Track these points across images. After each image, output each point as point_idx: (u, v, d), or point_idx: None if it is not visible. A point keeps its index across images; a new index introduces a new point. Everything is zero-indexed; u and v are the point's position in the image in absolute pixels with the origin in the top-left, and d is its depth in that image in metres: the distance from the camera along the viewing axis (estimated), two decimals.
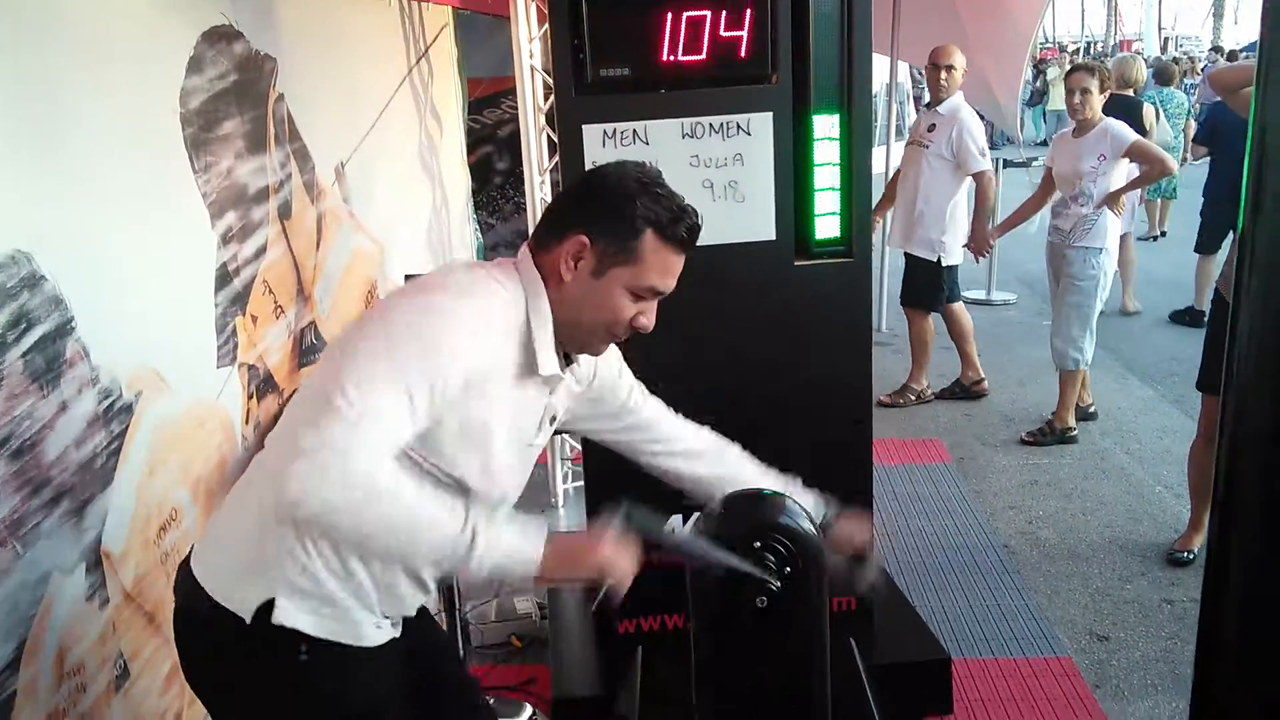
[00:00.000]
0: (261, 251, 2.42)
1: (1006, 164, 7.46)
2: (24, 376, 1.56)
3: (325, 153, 2.82)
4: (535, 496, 4.05)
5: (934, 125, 4.91)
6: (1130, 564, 3.45)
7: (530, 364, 1.44)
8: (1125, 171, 4.52)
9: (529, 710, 2.81)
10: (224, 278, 2.24)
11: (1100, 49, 31.49)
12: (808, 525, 1.47)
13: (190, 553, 1.49)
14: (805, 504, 1.67)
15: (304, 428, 1.23)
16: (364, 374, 1.26)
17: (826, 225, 2.49)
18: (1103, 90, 4.44)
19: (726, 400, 2.47)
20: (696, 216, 1.47)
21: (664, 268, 1.45)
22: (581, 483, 3.37)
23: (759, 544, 1.42)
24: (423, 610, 1.71)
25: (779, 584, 1.41)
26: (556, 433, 1.86)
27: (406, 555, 1.38)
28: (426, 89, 3.88)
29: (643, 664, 2.18)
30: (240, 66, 2.36)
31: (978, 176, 4.93)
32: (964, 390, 5.38)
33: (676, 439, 1.75)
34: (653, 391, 1.78)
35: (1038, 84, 17.65)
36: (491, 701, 2.87)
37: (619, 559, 1.35)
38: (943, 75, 4.86)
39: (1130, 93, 6.76)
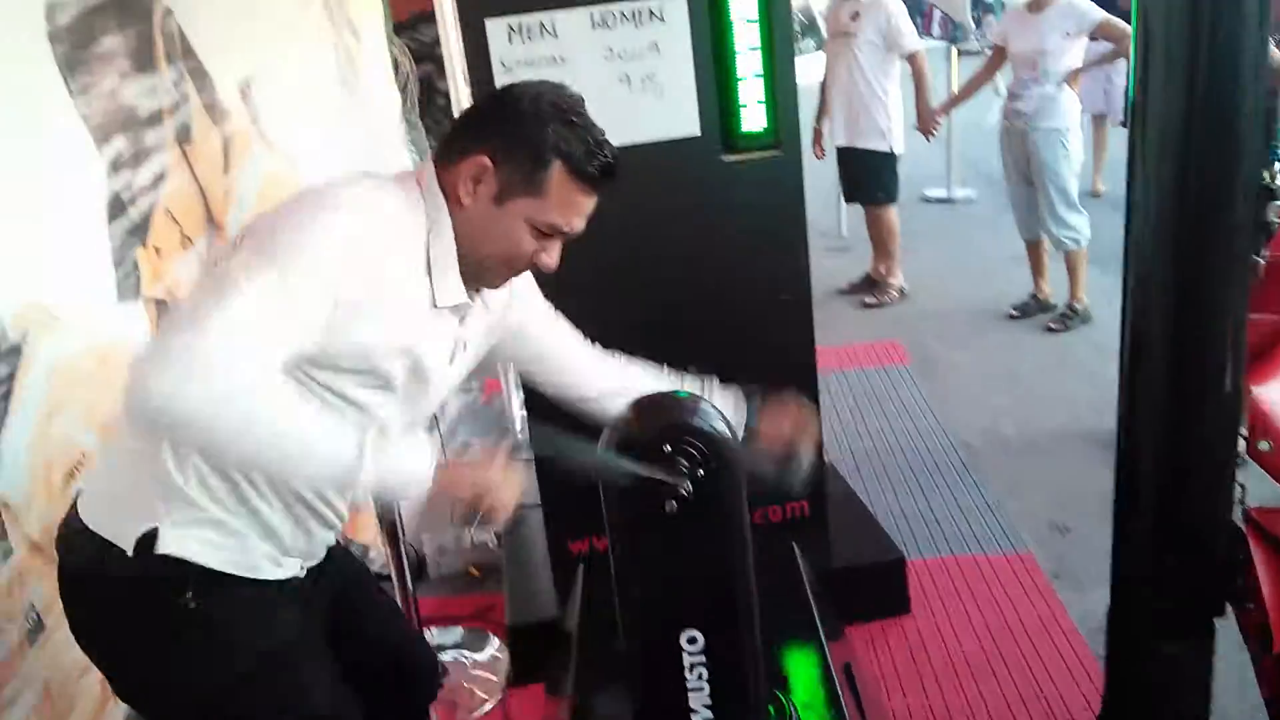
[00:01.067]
0: (160, 179, 2.28)
1: (962, 54, 7.29)
2: None
3: (227, 71, 2.66)
4: (494, 422, 3.99)
5: (857, 13, 4.78)
6: (1092, 454, 3.41)
7: (431, 295, 1.34)
8: (1083, 48, 4.41)
9: (494, 640, 2.78)
10: (118, 207, 2.11)
11: None
12: (720, 425, 1.39)
13: (72, 505, 1.40)
14: (725, 404, 1.59)
15: (173, 332, 1.15)
16: (243, 283, 1.15)
17: (752, 117, 2.37)
18: None
19: (659, 306, 2.40)
20: (613, 154, 1.34)
21: (570, 205, 1.33)
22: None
23: (668, 447, 1.34)
24: (341, 556, 1.64)
25: (690, 488, 1.33)
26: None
27: (289, 469, 1.27)
28: (342, 3, 3.68)
29: (584, 581, 2.13)
30: None
31: (912, 58, 4.84)
32: (871, 284, 5.31)
33: (586, 360, 1.67)
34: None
35: None
36: (459, 633, 2.85)
37: (502, 481, 1.28)
38: None
39: None
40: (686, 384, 1.65)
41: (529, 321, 1.60)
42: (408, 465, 1.24)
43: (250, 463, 1.26)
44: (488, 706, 2.54)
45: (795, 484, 1.65)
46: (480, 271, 1.38)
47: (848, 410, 3.95)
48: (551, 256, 1.37)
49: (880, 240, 5.27)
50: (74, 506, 1.40)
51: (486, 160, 1.30)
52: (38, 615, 1.78)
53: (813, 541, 2.55)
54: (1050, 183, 4.44)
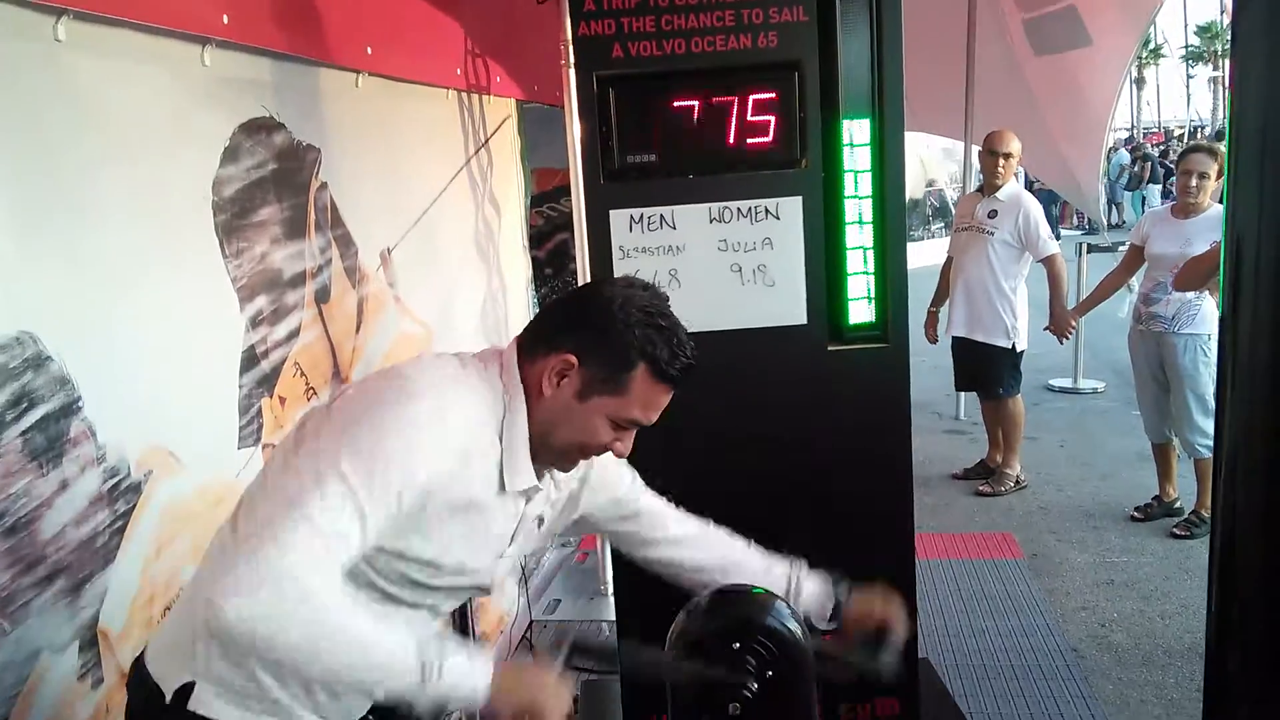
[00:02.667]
0: (295, 334, 2.46)
1: (1091, 249, 7.25)
2: (22, 455, 1.59)
3: (370, 238, 2.88)
4: (585, 583, 3.98)
5: (995, 211, 4.84)
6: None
7: (500, 479, 1.38)
8: None
9: None
10: (251, 359, 2.28)
11: (1206, 133, 30.79)
12: (793, 625, 1.39)
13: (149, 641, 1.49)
14: (811, 590, 1.59)
15: (248, 536, 1.19)
16: (323, 490, 1.20)
17: (859, 310, 2.42)
18: (1219, 175, 4.27)
19: (760, 489, 2.41)
20: (694, 354, 1.40)
21: (650, 402, 1.39)
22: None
23: (738, 645, 1.34)
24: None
25: (756, 687, 1.32)
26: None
27: (342, 686, 1.34)
28: (485, 178, 3.96)
29: None
30: (280, 156, 2.44)
31: (1049, 260, 4.83)
32: (987, 471, 5.18)
33: (675, 529, 1.68)
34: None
35: (1135, 168, 17.29)
36: None
37: (553, 699, 1.27)
38: (1000, 162, 4.80)
39: None
40: (774, 564, 1.65)
41: (611, 494, 1.63)
42: (465, 680, 1.25)
43: (315, 679, 1.32)
44: None
45: (880, 673, 1.60)
46: (553, 456, 1.42)
47: (951, 602, 3.81)
48: (626, 445, 1.42)
49: (1001, 431, 5.17)
50: (146, 645, 1.48)
51: (573, 358, 1.36)
52: None
53: None
54: (1189, 389, 4.32)
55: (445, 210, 3.52)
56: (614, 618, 3.80)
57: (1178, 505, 4.59)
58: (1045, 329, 5.04)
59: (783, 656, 1.35)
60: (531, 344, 1.42)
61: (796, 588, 1.64)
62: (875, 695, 2.60)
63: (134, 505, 1.86)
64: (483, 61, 3.82)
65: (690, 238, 2.38)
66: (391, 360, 3.03)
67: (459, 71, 3.63)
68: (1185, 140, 25.71)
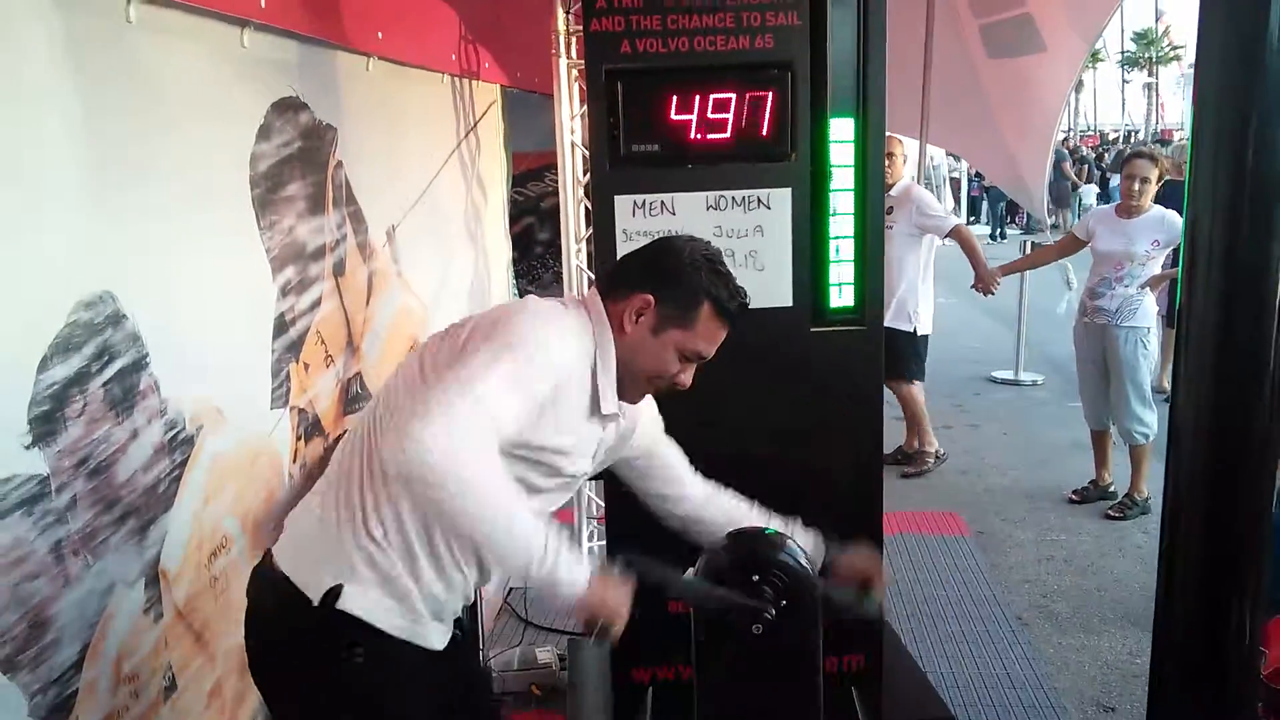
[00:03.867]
0: (316, 304, 2.61)
1: (1035, 247, 7.59)
2: (103, 404, 1.73)
3: (378, 216, 3.03)
4: None
5: (891, 208, 5.15)
6: (1142, 639, 3.49)
7: (593, 400, 1.61)
8: (1164, 256, 4.69)
9: None
10: (281, 326, 2.43)
11: (1140, 138, 31.78)
12: (803, 561, 1.60)
13: (265, 556, 1.67)
14: (806, 543, 1.80)
15: (434, 407, 1.38)
16: (484, 378, 1.42)
17: (841, 295, 2.64)
18: (1159, 180, 4.64)
19: (743, 458, 2.61)
20: (747, 296, 1.68)
21: (712, 336, 1.65)
22: (604, 541, 3.50)
23: (757, 577, 1.55)
24: (469, 640, 1.86)
25: (774, 613, 1.53)
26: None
27: (485, 543, 1.52)
28: (474, 161, 4.11)
29: (652, 706, 2.29)
30: (305, 134, 2.58)
31: (955, 233, 5.17)
32: (905, 458, 5.49)
33: (690, 485, 1.92)
34: None
35: (1073, 170, 17.84)
36: None
37: (618, 604, 1.47)
38: (886, 163, 5.12)
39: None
40: (774, 523, 1.86)
41: (655, 439, 1.89)
42: (574, 572, 1.45)
43: (466, 528, 1.47)
44: None
45: (867, 616, 1.84)
46: (628, 386, 1.65)
47: (906, 573, 4.07)
48: (688, 376, 1.67)
49: (910, 416, 5.46)
50: (268, 555, 1.66)
51: (650, 298, 1.61)
52: (173, 675, 2.00)
53: (868, 693, 2.67)
54: (1128, 379, 4.63)
55: (440, 191, 3.68)
56: None
57: (1112, 489, 4.92)
58: (972, 286, 5.34)
59: (795, 587, 1.56)
60: (612, 287, 1.67)
61: (793, 532, 1.86)
62: (845, 652, 2.83)
63: (188, 456, 2.01)
64: (473, 47, 3.96)
65: (688, 223, 2.58)
66: (395, 332, 3.19)
67: (453, 57, 3.78)
68: (1120, 143, 26.51)
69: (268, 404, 2.36)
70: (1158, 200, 4.60)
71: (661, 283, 1.62)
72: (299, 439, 2.50)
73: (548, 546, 1.42)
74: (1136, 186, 4.56)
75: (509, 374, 1.43)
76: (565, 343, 1.55)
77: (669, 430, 1.99)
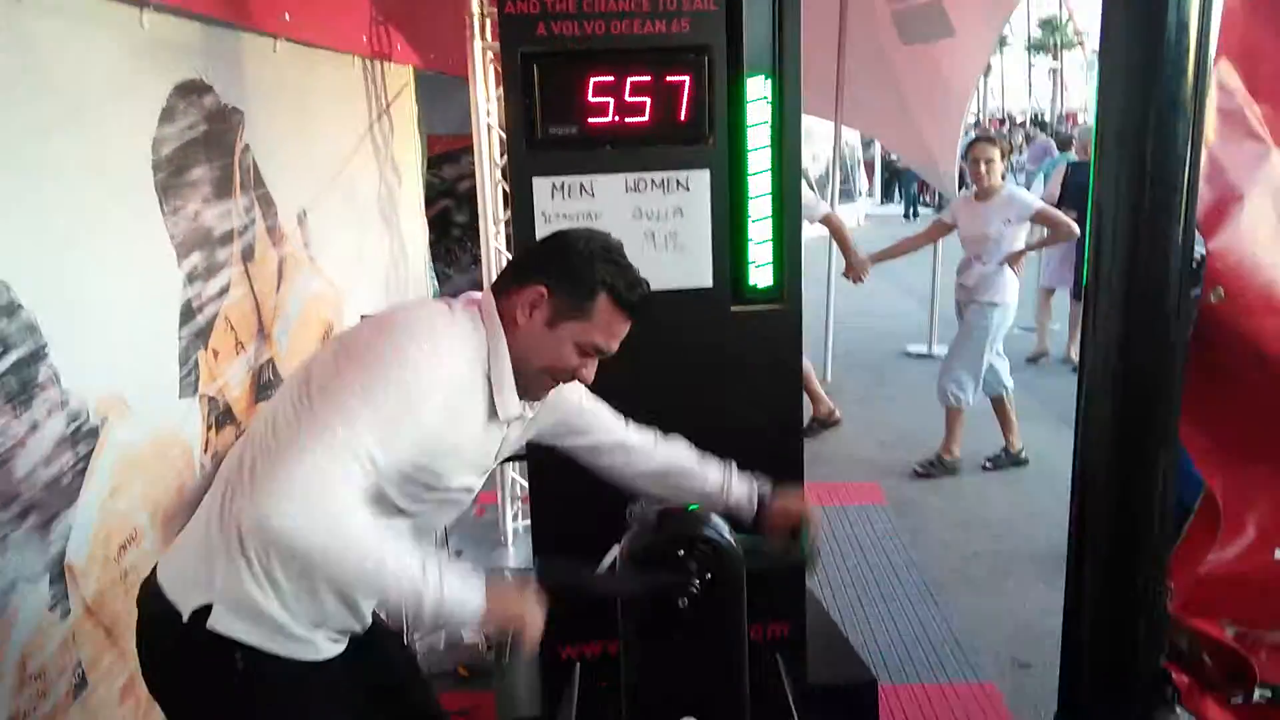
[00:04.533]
0: (225, 290, 2.55)
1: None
2: (0, 396, 1.67)
3: (288, 200, 2.97)
4: (485, 534, 4.16)
5: None
6: (1054, 598, 3.59)
7: (491, 406, 1.56)
8: (1025, 232, 4.90)
9: None
10: (188, 313, 2.36)
11: (1045, 119, 32.71)
12: (727, 536, 1.62)
13: (154, 567, 1.60)
14: (741, 485, 1.85)
15: (290, 460, 1.32)
16: (348, 419, 1.35)
17: (760, 274, 2.67)
18: (1003, 159, 4.89)
19: (667, 432, 2.64)
20: (648, 289, 1.62)
21: (611, 329, 1.59)
22: (529, 521, 3.49)
23: (682, 552, 1.57)
24: (380, 626, 1.82)
25: (698, 587, 1.55)
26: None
27: (365, 594, 1.52)
28: (387, 144, 4.05)
29: (580, 682, 2.30)
30: (210, 118, 2.51)
31: (825, 220, 5.37)
32: (822, 425, 5.73)
33: (628, 442, 1.90)
34: None
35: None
36: None
37: (533, 613, 1.45)
38: None
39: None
40: (710, 470, 1.88)
41: (579, 410, 1.84)
42: (465, 594, 1.41)
43: (339, 583, 1.47)
44: None
45: (801, 561, 1.87)
46: (528, 385, 1.60)
47: (828, 543, 4.15)
48: (589, 371, 1.62)
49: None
50: (156, 565, 1.60)
51: (543, 289, 1.55)
52: (83, 672, 1.94)
53: (792, 659, 2.72)
54: (961, 341, 4.94)
55: (352, 174, 3.62)
56: (513, 566, 4.00)
57: (1023, 455, 5.10)
58: (843, 274, 5.47)
59: (718, 560, 1.58)
60: (505, 283, 1.61)
61: (728, 486, 1.87)
62: (768, 620, 2.88)
63: (92, 449, 1.95)
64: (384, 29, 3.90)
65: (608, 205, 2.57)
66: (308, 317, 3.13)
67: (364, 38, 3.71)
68: (1027, 125, 27.24)
69: (176, 393, 2.30)
70: (1065, 182, 4.75)
71: (556, 274, 1.56)
72: (210, 428, 2.45)
73: (428, 581, 1.37)
74: (983, 168, 4.79)
75: (379, 409, 1.37)
76: (443, 358, 1.47)
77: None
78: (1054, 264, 7.13)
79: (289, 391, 1.46)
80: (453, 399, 1.48)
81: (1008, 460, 5.10)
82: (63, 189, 1.90)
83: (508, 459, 1.92)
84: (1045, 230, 5.13)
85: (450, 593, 1.39)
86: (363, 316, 1.84)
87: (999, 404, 5.15)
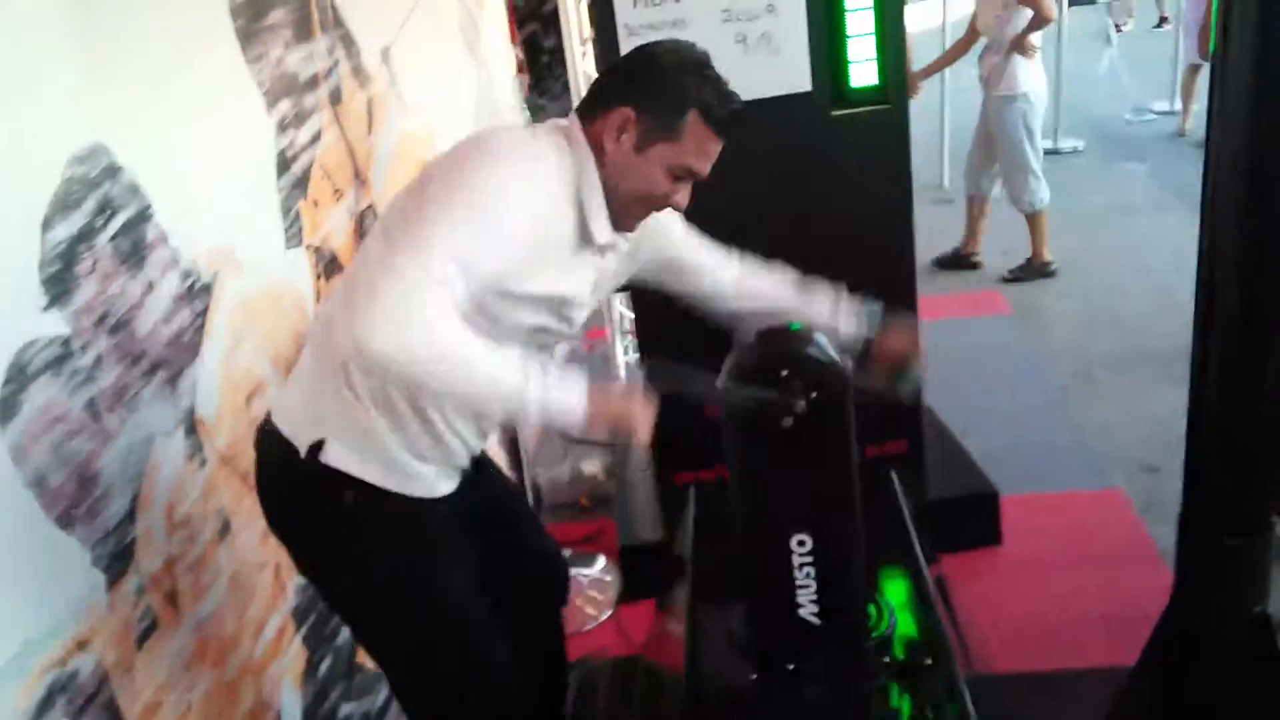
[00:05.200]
0: (316, 138, 2.53)
1: (1072, 1, 7.18)
2: (113, 259, 1.71)
3: (369, 38, 2.89)
4: (596, 369, 4.21)
5: None
6: (1184, 397, 3.46)
7: (584, 232, 1.51)
8: (1026, 17, 4.53)
9: (601, 559, 3.03)
10: (283, 164, 2.36)
11: None
12: (831, 354, 1.57)
13: (267, 413, 1.67)
14: (849, 314, 1.79)
15: (380, 281, 1.31)
16: (436, 235, 1.33)
17: (862, 73, 2.50)
18: None
19: (771, 252, 2.56)
20: (740, 103, 1.51)
21: (702, 150, 1.50)
22: (638, 354, 3.51)
23: (785, 372, 1.53)
24: (489, 466, 1.87)
25: (803, 406, 1.52)
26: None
27: (467, 404, 1.51)
28: None
29: (696, 506, 2.34)
30: None
31: None
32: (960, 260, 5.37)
33: (725, 274, 1.84)
34: None
35: None
36: (567, 553, 3.10)
37: (641, 413, 1.42)
38: None
39: None
40: (818, 295, 1.82)
41: (670, 239, 1.77)
42: (566, 397, 1.39)
43: (446, 393, 1.46)
44: (602, 617, 2.79)
45: (907, 393, 1.81)
46: (621, 213, 1.55)
47: (948, 356, 4.04)
48: (683, 196, 1.55)
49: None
50: (268, 413, 1.66)
51: (630, 111, 1.47)
52: (226, 518, 2.07)
53: (910, 476, 2.70)
54: (1005, 149, 4.69)
55: (431, 4, 3.50)
56: None
57: (976, 259, 5.03)
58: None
59: (823, 380, 1.54)
60: (590, 106, 1.53)
61: (835, 320, 1.79)
62: (884, 438, 2.86)
63: (208, 304, 2.00)
64: None
65: (693, 9, 2.43)
66: (401, 158, 3.11)
67: None
68: None
69: (282, 245, 2.33)
70: None
71: (642, 93, 1.47)
72: (319, 277, 2.48)
73: (529, 383, 1.35)
74: None
75: (467, 223, 1.34)
76: (534, 182, 1.42)
77: (696, 230, 1.91)
78: (1193, 37, 6.51)
79: (379, 224, 1.46)
80: (542, 226, 1.44)
81: (951, 260, 5.01)
82: (144, 46, 1.88)
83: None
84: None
85: (554, 393, 1.37)
86: None
87: (970, 204, 4.96)
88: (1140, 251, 4.94)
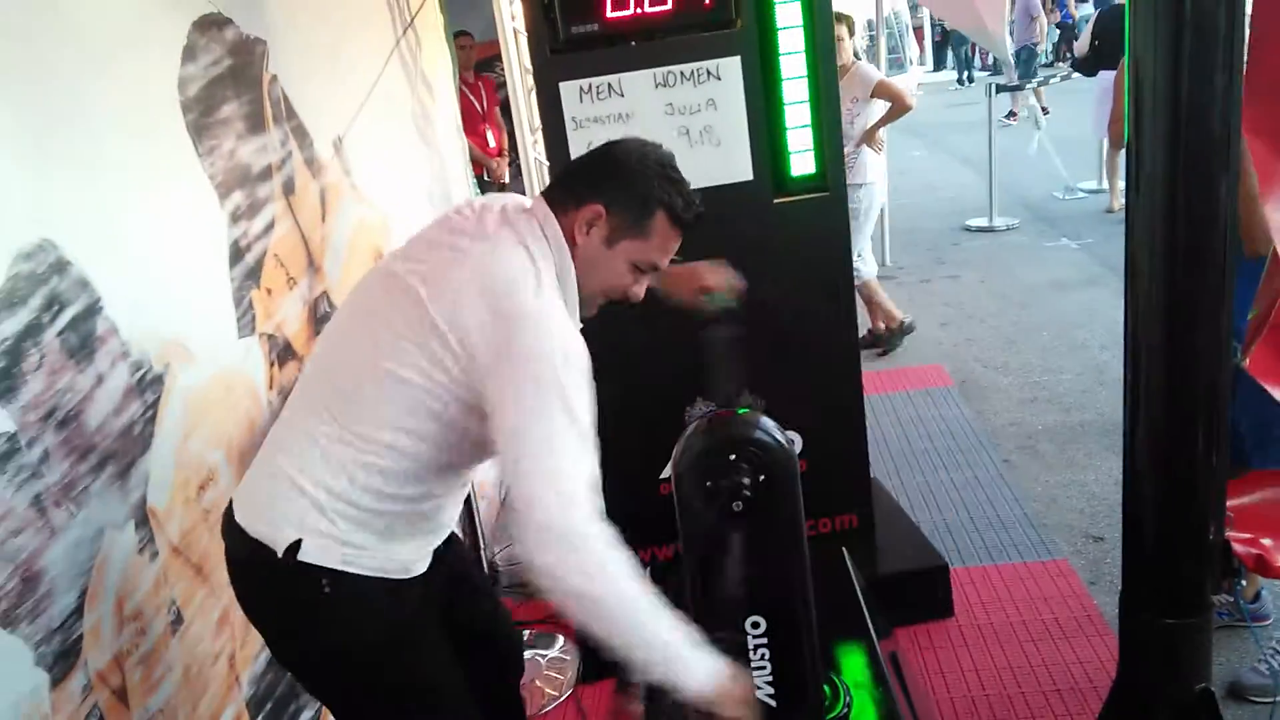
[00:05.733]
0: (270, 227, 2.56)
1: (1000, 89, 7.49)
2: (61, 353, 1.71)
3: (322, 128, 2.94)
4: None
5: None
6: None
7: None
8: (881, 108, 4.80)
9: (560, 639, 3.01)
10: (236, 254, 2.38)
11: None
12: (779, 437, 1.61)
13: (230, 503, 1.66)
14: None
15: (543, 489, 1.34)
16: (561, 442, 1.36)
17: (801, 162, 2.60)
18: (851, 35, 4.88)
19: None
20: (701, 205, 1.59)
21: (666, 247, 1.58)
22: None
23: (734, 455, 1.56)
24: (458, 546, 1.88)
25: (752, 491, 1.55)
26: None
27: (604, 636, 1.43)
28: (415, 58, 3.98)
29: (651, 579, 2.34)
30: (233, 51, 2.48)
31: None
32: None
33: None
34: None
35: None
36: (526, 634, 3.07)
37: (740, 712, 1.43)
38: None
39: None
40: None
41: None
42: (698, 672, 1.41)
43: (589, 619, 1.41)
44: (561, 698, 2.77)
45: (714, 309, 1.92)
46: (585, 303, 1.60)
47: (893, 430, 4.14)
48: (641, 288, 1.61)
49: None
50: (231, 505, 1.66)
51: (601, 208, 1.53)
52: (178, 610, 2.03)
53: (861, 551, 2.74)
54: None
55: (384, 94, 3.57)
56: None
57: (904, 325, 5.17)
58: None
59: (773, 463, 1.57)
60: (560, 200, 1.57)
61: None
62: (835, 512, 2.90)
63: (159, 395, 2.00)
64: None
65: (638, 104, 2.52)
66: (356, 245, 3.14)
67: None
68: None
69: (234, 334, 2.34)
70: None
71: (612, 191, 1.53)
72: (272, 364, 2.49)
73: (669, 646, 1.38)
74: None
75: (571, 418, 1.37)
76: (563, 315, 1.47)
77: (645, 313, 1.96)
78: (1104, 126, 6.86)
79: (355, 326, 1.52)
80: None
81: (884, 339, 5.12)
82: (95, 140, 1.90)
83: None
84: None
85: (685, 666, 1.39)
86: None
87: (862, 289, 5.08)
88: (1075, 326, 5.10)
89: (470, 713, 1.75)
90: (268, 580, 1.59)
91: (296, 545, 1.54)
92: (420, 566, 1.68)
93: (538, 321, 1.44)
